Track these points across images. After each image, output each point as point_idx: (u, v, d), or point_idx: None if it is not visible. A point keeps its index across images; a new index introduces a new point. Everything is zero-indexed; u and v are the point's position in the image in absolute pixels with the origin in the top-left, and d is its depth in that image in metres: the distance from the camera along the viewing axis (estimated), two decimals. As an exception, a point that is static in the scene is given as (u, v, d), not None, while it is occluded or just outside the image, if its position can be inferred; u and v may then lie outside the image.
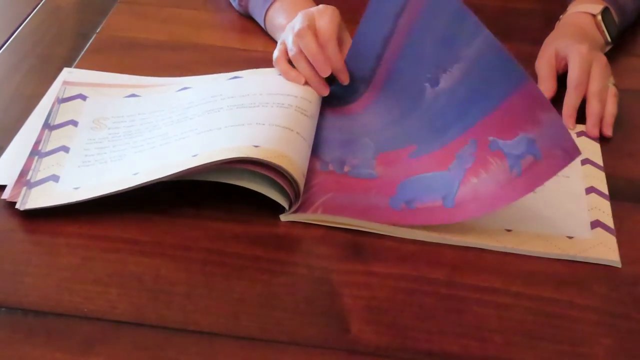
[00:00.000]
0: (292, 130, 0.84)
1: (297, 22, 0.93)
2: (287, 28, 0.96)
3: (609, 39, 1.06)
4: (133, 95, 0.96)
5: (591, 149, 0.93)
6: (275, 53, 0.95)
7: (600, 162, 0.91)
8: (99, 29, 1.10)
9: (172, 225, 0.80)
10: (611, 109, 0.96)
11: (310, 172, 0.84)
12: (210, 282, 0.75)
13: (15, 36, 1.09)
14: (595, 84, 0.96)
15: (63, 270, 0.75)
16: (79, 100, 0.95)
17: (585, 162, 0.91)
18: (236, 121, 0.85)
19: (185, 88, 0.96)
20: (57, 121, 0.91)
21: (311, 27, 0.92)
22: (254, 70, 0.96)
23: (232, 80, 0.95)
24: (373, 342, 0.70)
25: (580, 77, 0.95)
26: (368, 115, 0.93)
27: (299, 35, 0.91)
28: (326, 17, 0.92)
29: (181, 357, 0.68)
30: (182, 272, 0.76)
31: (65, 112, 0.92)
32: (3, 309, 0.71)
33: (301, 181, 0.80)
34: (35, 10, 1.15)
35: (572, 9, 1.09)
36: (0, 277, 0.74)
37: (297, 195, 0.80)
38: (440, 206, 0.80)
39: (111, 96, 0.96)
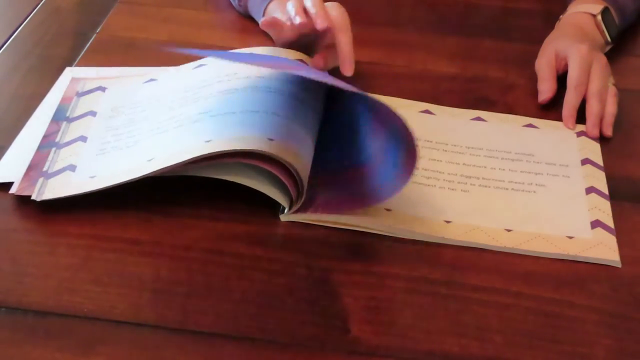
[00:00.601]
0: (305, 126, 0.84)
1: None
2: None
3: (609, 39, 1.06)
4: (151, 80, 0.96)
5: (591, 149, 0.93)
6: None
7: (600, 162, 0.91)
8: (99, 29, 1.10)
9: (172, 225, 0.80)
10: (611, 108, 0.96)
11: (310, 171, 0.84)
12: (210, 282, 0.75)
13: (15, 36, 1.09)
14: (595, 84, 0.96)
15: (63, 270, 0.75)
16: (98, 92, 0.95)
17: (585, 162, 0.91)
18: (251, 107, 0.85)
19: (201, 65, 0.96)
20: (76, 113, 0.91)
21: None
22: (271, 48, 0.97)
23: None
24: (373, 342, 0.70)
25: (580, 77, 0.96)
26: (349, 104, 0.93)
27: None
28: (340, 8, 0.95)
29: (181, 357, 0.68)
30: (182, 272, 0.76)
31: (84, 104, 0.93)
32: (3, 309, 0.71)
33: (306, 181, 0.80)
34: (35, 10, 1.15)
35: (572, 9, 1.09)
36: (0, 277, 0.74)
37: (300, 195, 0.80)
38: (412, 149, 0.78)
39: (130, 84, 0.96)
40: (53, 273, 0.75)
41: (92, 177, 0.82)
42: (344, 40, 0.93)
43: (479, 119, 0.97)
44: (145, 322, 0.71)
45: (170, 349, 0.69)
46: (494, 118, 0.97)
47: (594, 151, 0.92)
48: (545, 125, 0.96)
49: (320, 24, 0.92)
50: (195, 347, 0.69)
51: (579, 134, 0.95)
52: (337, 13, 0.94)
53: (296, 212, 0.81)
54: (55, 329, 0.70)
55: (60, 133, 0.88)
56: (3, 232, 0.79)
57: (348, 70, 0.94)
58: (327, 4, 0.95)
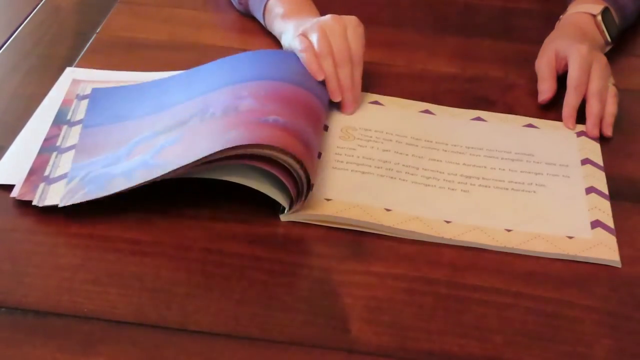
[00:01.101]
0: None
1: (328, 22, 0.95)
2: (312, 25, 0.96)
3: (609, 39, 1.06)
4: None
5: (591, 149, 0.93)
6: (300, 45, 0.94)
7: (600, 162, 0.91)
8: (99, 29, 1.10)
9: (172, 225, 0.80)
10: (611, 109, 0.96)
11: None
12: (210, 282, 0.75)
13: (15, 36, 1.09)
14: (595, 84, 0.95)
15: (63, 270, 0.75)
16: None
17: (585, 162, 0.91)
18: None
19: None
20: (78, 117, 0.91)
21: (345, 37, 0.94)
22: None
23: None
24: (373, 342, 0.70)
25: (580, 77, 0.95)
26: None
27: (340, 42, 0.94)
28: (359, 37, 0.95)
29: (181, 357, 0.68)
30: (182, 272, 0.76)
31: (85, 109, 0.93)
32: (3, 309, 0.71)
33: (307, 182, 0.80)
34: (35, 10, 1.15)
35: (572, 9, 1.09)
36: (0, 277, 0.74)
37: (301, 195, 0.80)
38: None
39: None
40: (53, 273, 0.75)
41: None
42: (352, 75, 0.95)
43: (479, 119, 0.97)
44: (145, 322, 0.71)
45: (170, 349, 0.69)
46: (494, 118, 0.97)
47: (594, 151, 0.92)
48: (545, 126, 0.96)
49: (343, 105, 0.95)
50: (195, 347, 0.69)
51: (579, 134, 0.95)
52: (354, 45, 0.95)
53: (296, 211, 0.81)
54: (55, 329, 0.70)
55: (61, 137, 0.88)
56: (3, 232, 0.79)
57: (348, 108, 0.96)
58: (345, 18, 0.96)
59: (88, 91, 0.95)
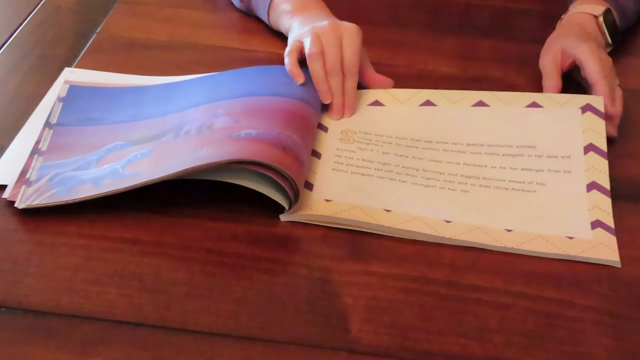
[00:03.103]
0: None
1: (324, 29, 0.94)
2: (307, 29, 0.95)
3: (609, 41, 1.05)
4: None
5: (595, 129, 0.90)
6: (288, 48, 0.95)
7: (604, 146, 0.88)
8: (99, 29, 1.10)
9: (172, 225, 0.80)
10: (618, 109, 0.96)
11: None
12: (210, 282, 0.75)
13: (15, 36, 1.09)
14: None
15: (63, 270, 0.75)
16: None
17: (588, 149, 0.89)
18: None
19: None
20: (55, 119, 0.91)
21: (338, 46, 0.93)
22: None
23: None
24: (373, 342, 0.71)
25: (602, 70, 0.94)
26: None
27: (330, 47, 0.92)
28: (354, 46, 0.94)
29: (181, 357, 0.68)
30: (182, 272, 0.76)
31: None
32: (3, 309, 0.71)
33: (303, 182, 0.80)
34: (35, 10, 1.15)
35: (574, 9, 1.08)
36: (0, 277, 0.74)
37: (297, 195, 0.80)
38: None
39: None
40: (53, 273, 0.75)
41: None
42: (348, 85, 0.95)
43: (481, 103, 0.95)
44: (145, 322, 0.71)
45: (170, 349, 0.69)
46: (496, 100, 0.95)
47: (599, 132, 0.90)
48: (550, 103, 0.94)
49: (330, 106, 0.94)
50: (195, 347, 0.69)
51: (584, 108, 0.92)
52: (348, 55, 0.94)
53: (295, 211, 0.81)
54: (55, 329, 0.70)
55: (42, 140, 0.88)
56: (3, 232, 0.79)
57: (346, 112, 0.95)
58: (343, 26, 0.95)
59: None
